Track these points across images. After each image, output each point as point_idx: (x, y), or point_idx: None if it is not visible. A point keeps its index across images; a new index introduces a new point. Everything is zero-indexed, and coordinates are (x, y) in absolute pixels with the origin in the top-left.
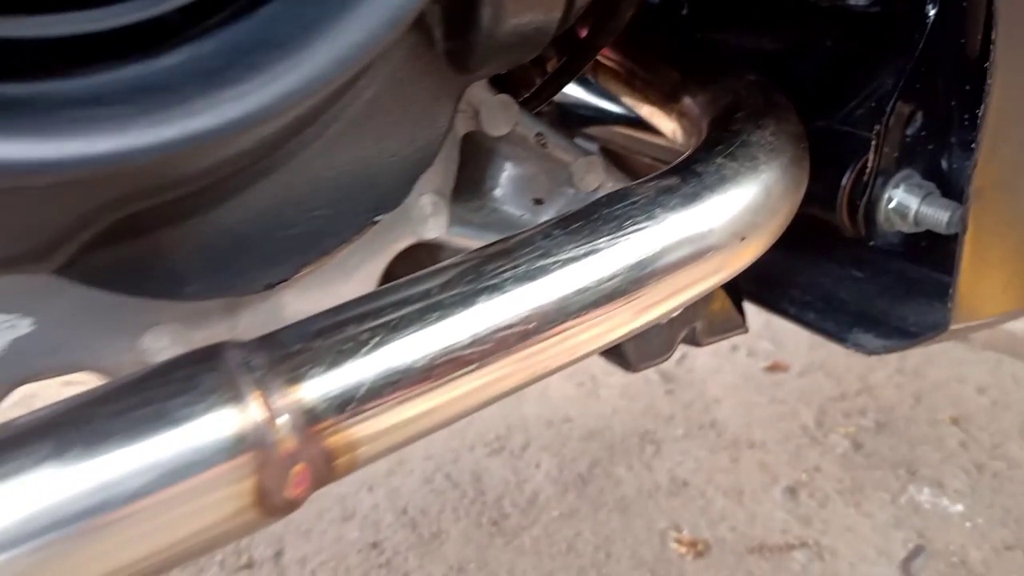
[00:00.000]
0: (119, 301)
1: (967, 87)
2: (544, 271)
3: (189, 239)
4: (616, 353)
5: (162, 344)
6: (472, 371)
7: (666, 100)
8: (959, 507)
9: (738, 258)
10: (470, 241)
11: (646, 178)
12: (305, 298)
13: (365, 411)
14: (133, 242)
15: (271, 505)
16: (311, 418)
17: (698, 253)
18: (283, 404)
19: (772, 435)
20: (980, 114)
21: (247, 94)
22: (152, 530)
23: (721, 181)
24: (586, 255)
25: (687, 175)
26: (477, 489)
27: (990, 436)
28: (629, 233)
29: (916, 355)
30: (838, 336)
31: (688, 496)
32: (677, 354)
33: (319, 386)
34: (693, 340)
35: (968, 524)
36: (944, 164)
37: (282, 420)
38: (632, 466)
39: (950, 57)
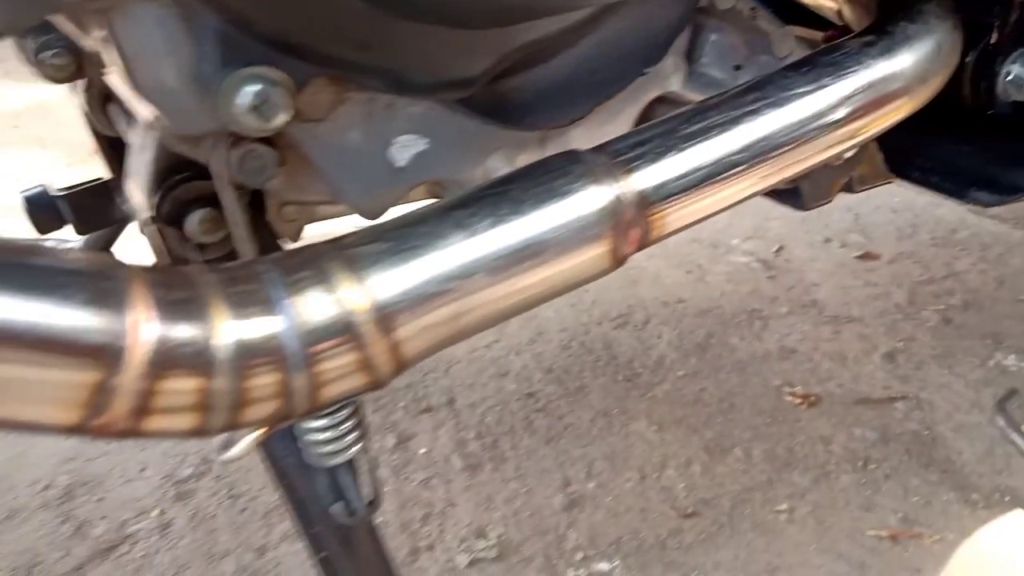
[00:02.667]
0: (481, 128)
1: None
2: (787, 100)
3: (536, 82)
4: (790, 193)
5: (499, 164)
6: (743, 171)
7: None
8: None
9: (919, 97)
10: (691, 96)
11: (845, 38)
12: (585, 135)
13: (674, 194)
14: (503, 81)
15: (616, 257)
16: (641, 197)
17: (893, 92)
18: (625, 187)
19: (868, 312)
20: None
21: None
22: (551, 271)
23: (907, 38)
24: (816, 90)
25: (880, 34)
26: (609, 354)
27: None
28: (845, 75)
29: (998, 246)
30: (958, 194)
31: (797, 360)
32: (774, 246)
33: (644, 177)
34: (849, 187)
35: None
36: None
37: (625, 197)
38: (744, 336)
39: None
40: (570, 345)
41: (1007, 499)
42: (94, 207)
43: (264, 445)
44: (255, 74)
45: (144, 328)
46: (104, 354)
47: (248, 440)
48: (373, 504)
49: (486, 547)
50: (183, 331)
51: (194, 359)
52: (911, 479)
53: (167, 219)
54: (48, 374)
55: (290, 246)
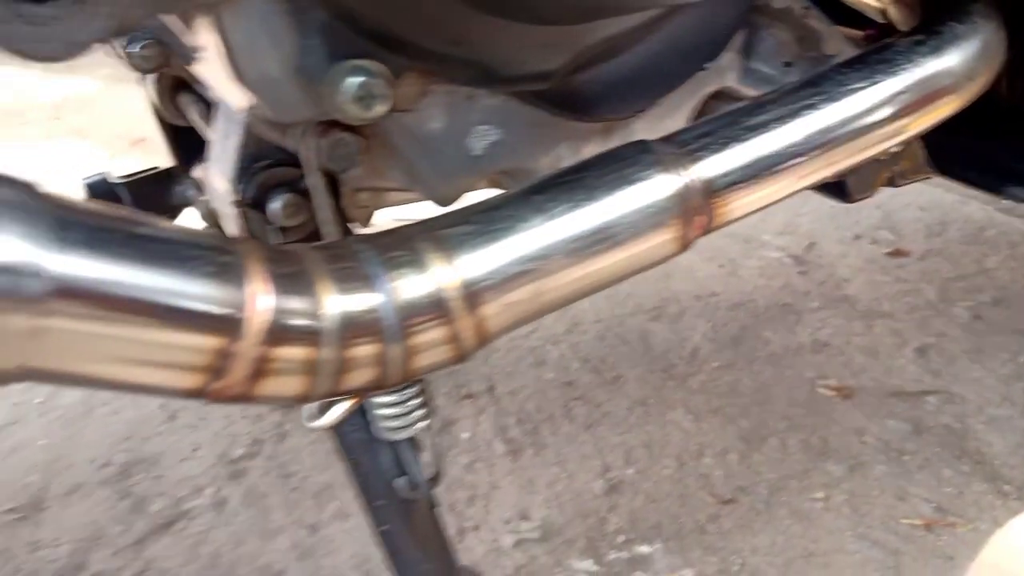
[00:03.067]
0: (551, 120)
1: None
2: (842, 95)
3: (605, 76)
4: (836, 186)
5: (565, 154)
6: (801, 162)
7: None
8: None
9: (966, 94)
10: (745, 91)
11: (894, 37)
12: (646, 127)
13: (737, 183)
14: (574, 75)
15: (682, 242)
16: (707, 185)
17: (942, 89)
18: (692, 175)
19: (899, 307)
20: None
21: None
22: (622, 254)
23: (955, 37)
24: (869, 86)
25: (930, 33)
26: (644, 345)
27: None
28: (897, 72)
29: None
30: (994, 189)
31: (830, 354)
32: (805, 242)
33: (710, 166)
34: (892, 181)
35: None
36: None
37: (692, 185)
38: (777, 330)
39: None
40: (605, 336)
41: None
42: (153, 194)
43: None
44: (358, 66)
45: (260, 300)
46: (226, 323)
47: (339, 409)
48: (435, 479)
49: (530, 528)
50: (294, 303)
51: (304, 329)
52: (944, 470)
53: (251, 203)
54: (175, 340)
55: (360, 231)
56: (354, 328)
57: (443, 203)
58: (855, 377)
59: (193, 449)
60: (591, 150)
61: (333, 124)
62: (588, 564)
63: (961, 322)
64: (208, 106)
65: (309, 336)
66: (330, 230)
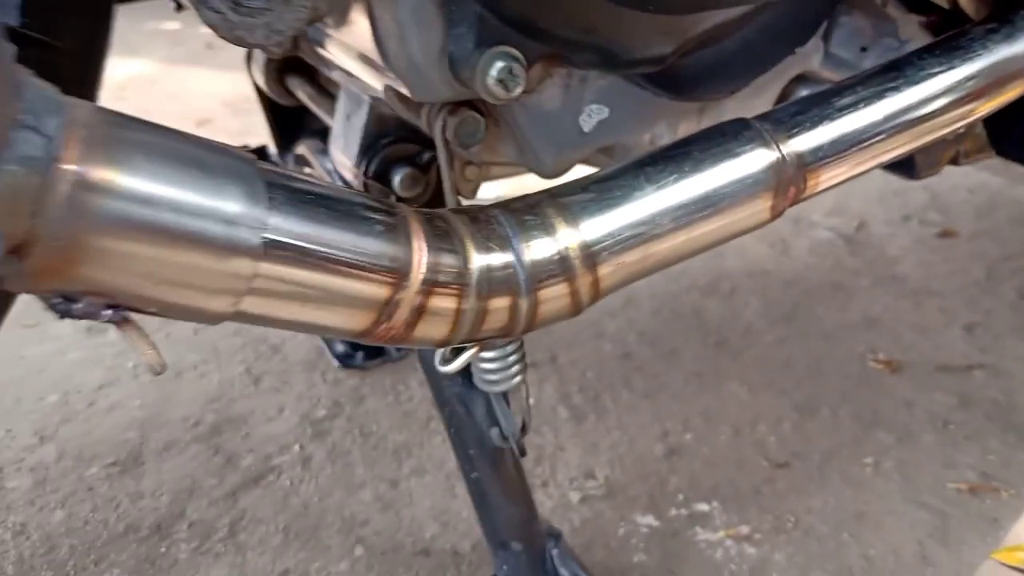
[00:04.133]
0: (653, 99)
1: None
2: (922, 79)
3: (704, 59)
4: (905, 164)
5: (663, 131)
6: (884, 139)
7: None
8: None
9: None
10: (825, 74)
11: (968, 26)
12: (736, 106)
13: (826, 157)
14: (680, 60)
15: (775, 210)
16: (800, 159)
17: (1012, 71)
18: (786, 149)
19: (948, 286)
20: None
21: None
22: (723, 220)
23: None
24: (947, 70)
25: (1003, 22)
26: (699, 320)
27: None
28: (972, 58)
29: None
30: None
31: (880, 330)
32: (855, 222)
33: (803, 142)
34: (955, 160)
35: None
36: None
37: (787, 159)
38: (828, 307)
39: None
40: (661, 311)
41: None
42: None
43: (432, 376)
44: (503, 52)
45: (422, 256)
46: (396, 274)
47: (465, 356)
48: (524, 429)
49: (595, 486)
50: (447, 259)
51: (454, 282)
52: (989, 440)
53: (375, 175)
54: (358, 288)
55: (465, 203)
56: (493, 282)
57: (550, 176)
58: (904, 352)
59: (278, 410)
60: (686, 127)
61: (461, 103)
62: (650, 519)
63: (1008, 301)
64: (317, 88)
65: (458, 288)
66: (451, 199)
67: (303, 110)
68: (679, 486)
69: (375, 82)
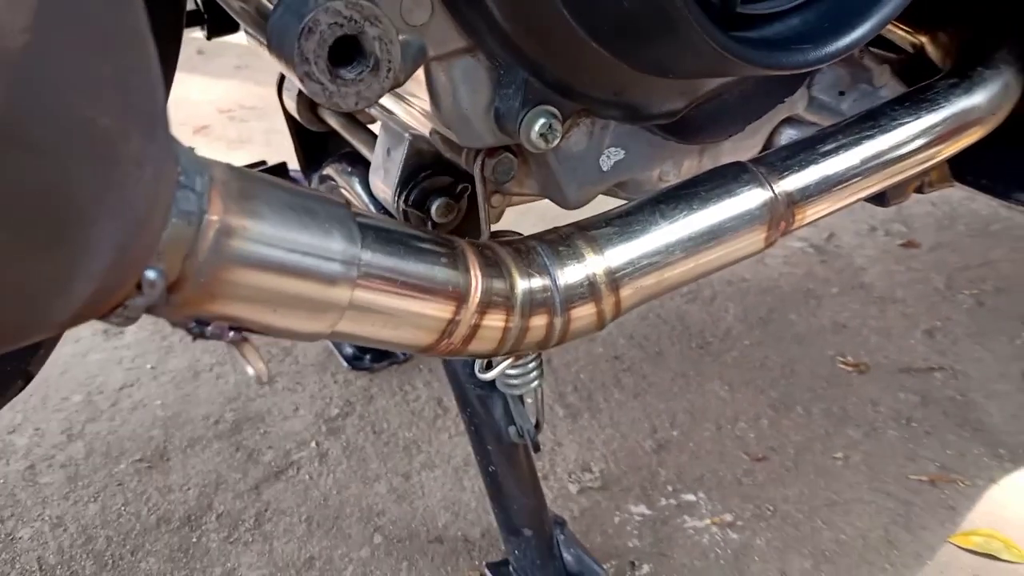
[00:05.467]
0: (662, 143)
1: None
2: (893, 127)
3: (708, 109)
4: (876, 196)
5: (669, 169)
6: (861, 180)
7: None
8: None
9: (990, 125)
10: (808, 116)
11: (933, 80)
12: (731, 147)
13: (812, 195)
14: (687, 111)
15: (768, 241)
16: (790, 197)
17: (971, 121)
18: (778, 189)
19: (910, 294)
20: None
21: (836, 42)
22: (724, 250)
23: (983, 80)
24: (915, 120)
25: (963, 77)
26: (682, 324)
27: None
28: (936, 109)
29: None
30: (1004, 195)
31: (848, 334)
32: (825, 233)
33: (790, 183)
34: (920, 189)
35: None
36: None
37: (780, 197)
38: (801, 313)
39: None
40: (647, 316)
41: None
42: None
43: (456, 380)
44: (544, 110)
45: (478, 282)
46: (458, 298)
47: (502, 365)
48: (538, 427)
49: (591, 479)
50: (497, 285)
51: (503, 303)
52: (948, 435)
53: (414, 204)
54: (428, 310)
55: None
56: (534, 303)
57: (571, 208)
58: (870, 355)
59: (294, 409)
60: (688, 165)
61: (499, 147)
62: (642, 508)
63: (966, 307)
64: (348, 117)
65: (506, 309)
66: (486, 228)
67: (327, 134)
68: (668, 478)
69: (420, 126)
